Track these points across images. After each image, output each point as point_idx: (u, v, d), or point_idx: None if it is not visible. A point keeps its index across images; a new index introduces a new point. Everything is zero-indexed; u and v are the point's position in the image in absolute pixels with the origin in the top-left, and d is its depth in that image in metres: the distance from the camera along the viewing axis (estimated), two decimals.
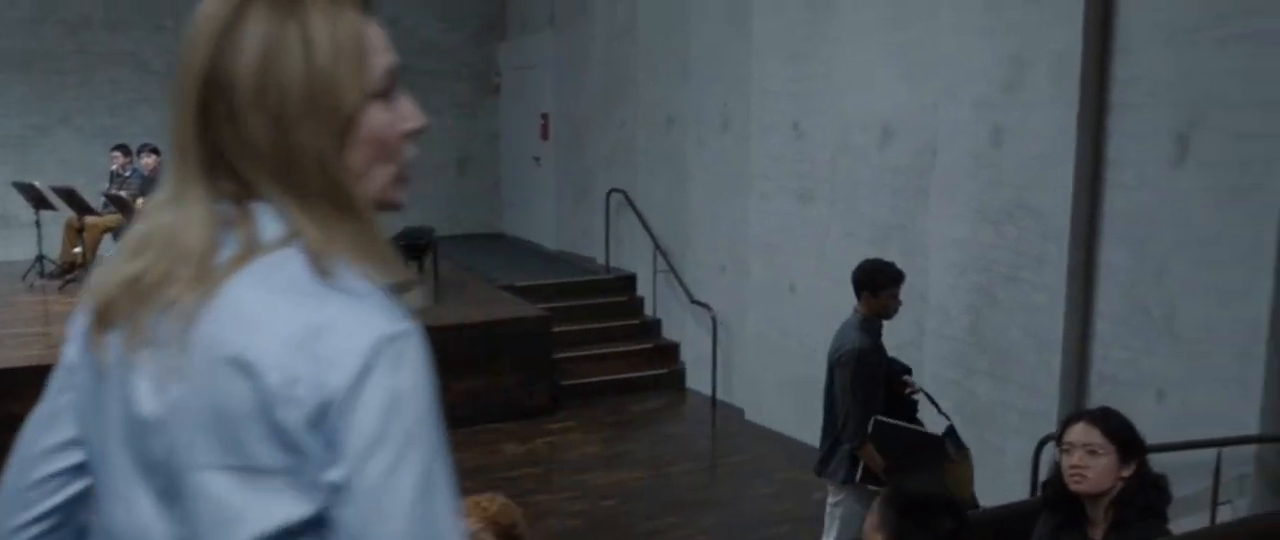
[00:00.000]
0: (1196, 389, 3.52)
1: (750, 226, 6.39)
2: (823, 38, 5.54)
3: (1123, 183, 3.81)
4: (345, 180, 0.83)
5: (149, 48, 10.25)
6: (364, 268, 0.81)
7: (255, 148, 0.81)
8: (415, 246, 7.40)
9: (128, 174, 8.76)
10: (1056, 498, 2.27)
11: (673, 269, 7.47)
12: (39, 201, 8.50)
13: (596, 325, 7.82)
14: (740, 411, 6.71)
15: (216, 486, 0.77)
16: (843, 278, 5.62)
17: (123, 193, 8.52)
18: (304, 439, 0.75)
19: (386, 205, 0.87)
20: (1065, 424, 2.30)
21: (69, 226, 8.79)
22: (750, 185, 6.34)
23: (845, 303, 5.54)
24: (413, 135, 0.88)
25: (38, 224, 8.50)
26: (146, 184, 8.47)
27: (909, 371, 3.77)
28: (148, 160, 8.51)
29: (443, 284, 7.72)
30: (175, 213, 0.82)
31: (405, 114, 0.87)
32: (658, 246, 7.68)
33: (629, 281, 8.32)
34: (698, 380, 7.28)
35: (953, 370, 4.65)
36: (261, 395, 0.76)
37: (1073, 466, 2.18)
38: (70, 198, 8.12)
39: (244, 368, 0.76)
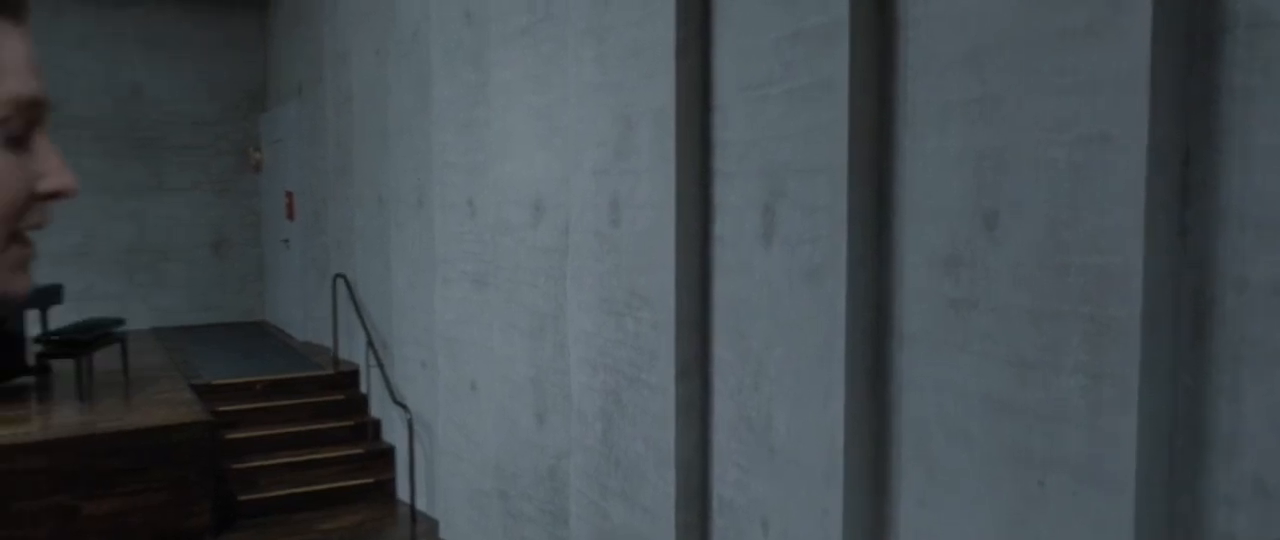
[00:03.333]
0: (793, 517, 2.85)
1: (437, 317, 5.62)
2: (487, 104, 4.88)
3: (727, 265, 3.18)
4: None
5: None
6: None
7: None
8: (74, 343, 6.37)
9: None
10: None
11: (380, 364, 6.63)
12: None
13: (305, 428, 6.89)
14: (437, 525, 5.86)
15: None
16: (509, 376, 4.91)
17: None
18: None
19: None
20: None
21: None
22: (436, 270, 5.60)
23: (516, 406, 4.80)
24: (49, 198, 0.63)
25: None
26: None
27: None
28: None
29: (113, 384, 6.70)
30: None
31: (44, 167, 0.62)
32: (369, 340, 6.84)
33: (352, 378, 7.43)
34: (408, 490, 6.41)
35: (592, 488, 3.92)
36: None
37: None
38: None
39: None
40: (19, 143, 0.62)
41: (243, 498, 6.16)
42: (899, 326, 2.50)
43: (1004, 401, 2.17)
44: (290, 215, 9.23)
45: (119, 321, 7.02)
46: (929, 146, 2.37)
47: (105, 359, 6.92)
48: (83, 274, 9.76)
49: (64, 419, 5.90)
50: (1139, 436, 1.86)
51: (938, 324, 2.36)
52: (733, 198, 3.11)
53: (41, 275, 6.39)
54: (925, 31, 2.37)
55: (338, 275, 7.54)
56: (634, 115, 3.46)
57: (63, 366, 6.76)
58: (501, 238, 4.73)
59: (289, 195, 9.21)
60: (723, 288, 3.22)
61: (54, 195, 0.64)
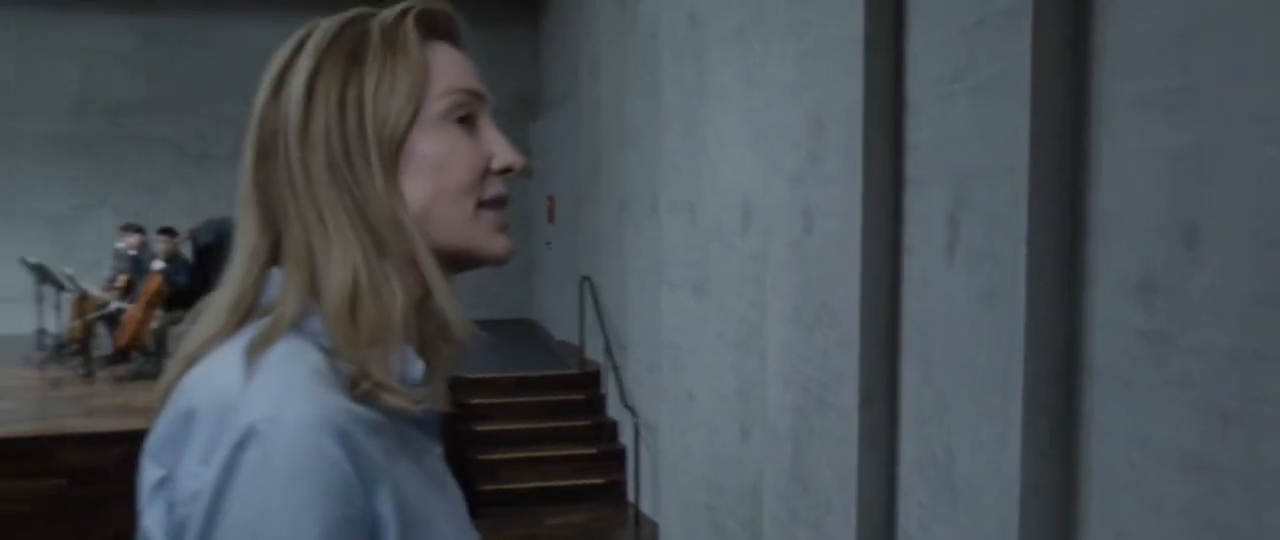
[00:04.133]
0: None
1: (662, 322, 5.58)
2: (707, 106, 4.77)
3: (914, 280, 2.87)
4: (378, 217, 0.76)
5: (184, 131, 10.48)
6: (340, 335, 0.73)
7: (267, 194, 0.77)
8: None
9: (134, 253, 8.77)
10: None
11: (614, 366, 6.71)
12: (44, 278, 8.62)
13: (545, 425, 7.13)
14: (658, 530, 5.82)
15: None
16: (719, 387, 4.75)
17: (120, 273, 8.57)
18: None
19: (471, 255, 0.83)
20: None
21: (75, 303, 8.83)
22: (662, 275, 5.56)
23: (723, 419, 4.61)
24: (502, 173, 0.82)
25: (39, 300, 8.62)
26: (129, 263, 8.48)
27: None
28: (129, 238, 8.52)
29: None
30: (226, 275, 0.79)
31: (493, 148, 0.82)
32: (607, 342, 6.95)
33: (595, 378, 7.59)
34: (635, 493, 6.44)
35: (783, 511, 3.69)
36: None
37: None
38: (42, 274, 8.19)
39: (187, 421, 0.71)
40: (470, 124, 0.81)
41: (482, 488, 6.44)
42: (1088, 361, 2.12)
43: (1201, 461, 1.76)
44: (551, 218, 9.60)
45: None
46: (1125, 147, 1.98)
47: None
48: None
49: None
50: None
51: (1129, 361, 1.97)
52: (920, 206, 2.80)
53: None
54: (1125, 9, 1.98)
55: (584, 277, 7.73)
56: (826, 116, 3.21)
57: None
58: (714, 243, 4.60)
59: (550, 199, 9.58)
60: (911, 306, 2.90)
61: (505, 170, 0.81)
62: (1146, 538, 1.93)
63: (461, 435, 6.52)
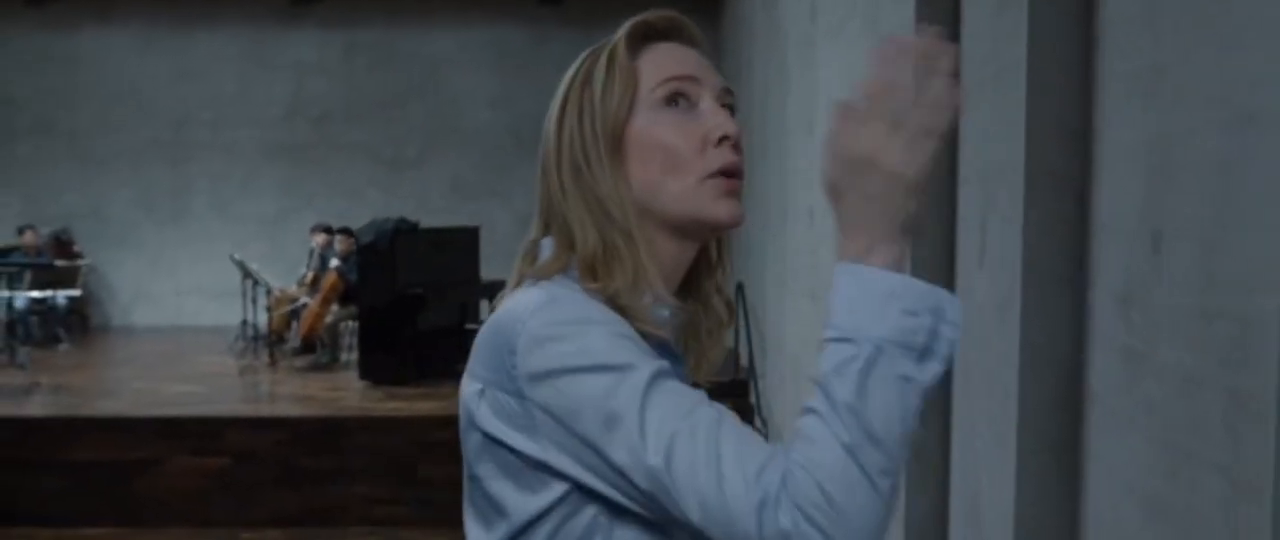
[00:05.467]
0: None
1: (785, 333, 5.40)
2: (819, 105, 4.57)
3: (961, 290, 2.60)
4: (607, 201, 0.93)
5: (378, 138, 11.16)
6: (598, 282, 0.93)
7: (544, 190, 0.98)
8: None
9: (321, 251, 9.43)
10: None
11: (754, 376, 6.55)
12: (245, 274, 9.43)
13: None
14: None
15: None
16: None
17: (310, 270, 9.26)
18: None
19: (699, 221, 0.95)
20: None
21: (271, 296, 9.58)
22: (786, 283, 5.38)
23: None
24: (720, 142, 0.93)
25: (243, 294, 9.42)
26: (317, 260, 9.12)
27: None
28: (318, 238, 9.16)
29: None
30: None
31: (710, 121, 0.94)
32: (751, 351, 6.80)
33: (744, 387, 7.43)
34: None
35: None
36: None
37: None
38: (244, 270, 8.95)
39: (490, 338, 0.93)
40: (686, 103, 0.94)
41: None
42: (1089, 386, 1.84)
43: (1160, 504, 1.49)
44: None
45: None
46: (1116, 137, 1.71)
47: None
48: None
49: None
50: None
51: (1111, 385, 1.70)
52: (964, 208, 2.55)
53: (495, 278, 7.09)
54: None
55: (739, 284, 7.60)
56: None
57: None
58: (823, 249, 4.40)
59: None
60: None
61: (722, 139, 0.92)
62: None
63: None
